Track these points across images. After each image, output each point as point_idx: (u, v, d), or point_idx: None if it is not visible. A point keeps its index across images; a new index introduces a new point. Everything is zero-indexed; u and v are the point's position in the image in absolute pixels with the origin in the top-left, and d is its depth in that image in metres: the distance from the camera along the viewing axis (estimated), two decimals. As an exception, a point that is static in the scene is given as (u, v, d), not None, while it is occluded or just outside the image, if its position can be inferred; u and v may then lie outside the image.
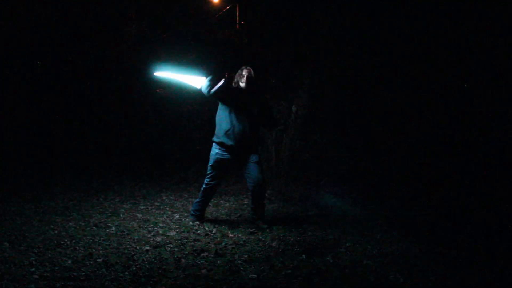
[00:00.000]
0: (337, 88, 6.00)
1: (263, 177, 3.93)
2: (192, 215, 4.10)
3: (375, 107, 6.09)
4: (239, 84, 3.88)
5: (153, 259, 3.11)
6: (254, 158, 3.90)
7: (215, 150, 3.91)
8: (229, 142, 3.83)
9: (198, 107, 6.95)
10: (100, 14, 7.28)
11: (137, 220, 4.06)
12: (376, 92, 6.13)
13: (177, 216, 4.27)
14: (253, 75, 3.85)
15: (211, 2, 7.36)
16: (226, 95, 3.81)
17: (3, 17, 6.98)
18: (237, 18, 7.35)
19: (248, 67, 3.89)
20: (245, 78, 3.85)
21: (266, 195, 5.02)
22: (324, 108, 5.83)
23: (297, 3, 6.44)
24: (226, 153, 3.87)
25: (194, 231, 3.81)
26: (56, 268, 2.88)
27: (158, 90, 7.36)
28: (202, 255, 3.24)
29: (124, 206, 4.57)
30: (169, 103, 7.17)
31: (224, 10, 7.44)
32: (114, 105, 7.24)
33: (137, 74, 7.34)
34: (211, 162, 3.94)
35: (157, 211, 4.42)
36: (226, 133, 3.84)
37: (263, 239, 3.64)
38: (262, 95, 4.10)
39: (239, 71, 3.91)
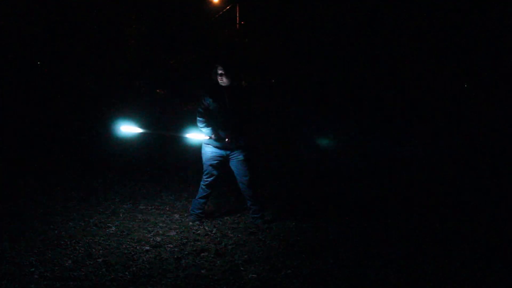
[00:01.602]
0: (337, 88, 6.00)
1: (250, 174, 3.96)
2: (191, 214, 4.11)
3: (375, 107, 6.09)
4: (217, 82, 3.91)
5: (153, 259, 3.11)
6: (242, 154, 3.93)
7: (205, 148, 3.97)
8: (217, 138, 3.88)
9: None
10: (101, 15, 7.28)
11: (137, 220, 4.06)
12: (376, 92, 6.13)
13: (177, 216, 4.27)
14: (227, 71, 3.86)
15: (211, 2, 7.36)
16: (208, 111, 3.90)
17: (4, 17, 6.99)
18: (237, 18, 7.35)
19: (220, 64, 3.90)
20: (219, 76, 3.86)
21: (266, 195, 5.03)
22: (324, 108, 5.83)
23: (297, 3, 6.44)
24: (216, 149, 3.91)
25: (194, 231, 3.81)
26: (56, 268, 2.88)
27: (158, 90, 7.37)
28: (202, 255, 3.24)
29: (124, 206, 4.57)
30: (169, 103, 7.17)
31: (224, 10, 7.45)
32: (114, 105, 7.24)
33: (137, 74, 7.35)
34: (204, 160, 4.00)
35: (157, 211, 4.42)
36: (219, 131, 3.88)
37: (263, 239, 3.64)
38: (244, 88, 4.07)
39: (214, 70, 3.90)
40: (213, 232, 3.80)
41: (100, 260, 3.04)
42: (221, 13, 7.47)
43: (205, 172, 4.03)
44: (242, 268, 3.00)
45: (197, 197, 4.12)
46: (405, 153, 6.24)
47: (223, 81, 3.87)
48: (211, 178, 4.03)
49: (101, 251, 3.22)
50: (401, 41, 6.09)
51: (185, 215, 4.30)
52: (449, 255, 3.30)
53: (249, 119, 4.03)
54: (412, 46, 6.08)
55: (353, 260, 3.17)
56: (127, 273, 2.85)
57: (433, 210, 4.50)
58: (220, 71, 3.86)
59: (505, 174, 5.79)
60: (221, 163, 4.05)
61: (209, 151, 3.95)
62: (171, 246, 3.41)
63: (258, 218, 4.04)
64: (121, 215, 4.22)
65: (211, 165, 3.98)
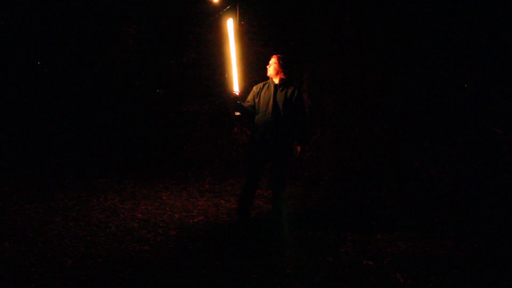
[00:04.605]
0: (337, 88, 6.00)
1: (282, 177, 3.93)
2: (237, 213, 4.10)
3: (375, 107, 6.08)
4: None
5: (153, 259, 3.11)
6: (280, 153, 3.87)
7: (250, 145, 3.96)
8: (256, 135, 3.87)
9: (198, 107, 6.95)
10: (100, 14, 7.27)
11: (137, 220, 4.06)
12: (377, 92, 6.12)
13: (177, 216, 4.28)
14: (277, 62, 3.86)
15: (211, 2, 7.36)
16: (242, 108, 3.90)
17: (3, 17, 6.98)
18: (237, 18, 7.34)
19: (275, 55, 3.92)
20: (268, 65, 3.89)
21: (266, 195, 5.03)
22: (324, 108, 5.83)
23: (297, 3, 6.44)
24: (256, 147, 3.89)
25: (194, 231, 3.81)
26: (56, 268, 2.88)
27: (158, 90, 7.36)
28: (202, 255, 3.24)
29: (124, 206, 4.57)
30: (169, 103, 7.17)
31: (224, 10, 7.45)
32: (114, 105, 7.23)
33: (137, 74, 7.34)
34: (248, 157, 3.98)
35: (157, 211, 4.42)
36: (255, 127, 3.88)
37: (263, 239, 3.64)
38: (294, 85, 3.96)
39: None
40: (213, 232, 3.80)
41: (100, 260, 3.04)
42: (221, 13, 7.48)
43: (247, 170, 4.01)
44: (242, 268, 3.00)
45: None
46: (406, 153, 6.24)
47: (269, 71, 3.87)
48: (249, 177, 3.95)
49: (101, 251, 3.22)
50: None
51: (185, 215, 4.31)
52: (450, 255, 3.30)
53: (295, 121, 3.88)
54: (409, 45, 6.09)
55: (353, 260, 3.17)
56: (127, 273, 2.85)
57: (434, 210, 4.51)
58: (270, 61, 3.86)
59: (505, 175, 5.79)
60: (259, 163, 3.95)
61: (250, 150, 3.94)
62: (171, 246, 3.41)
63: (275, 214, 4.04)
64: (121, 215, 4.22)
65: (249, 163, 3.96)
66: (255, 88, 3.97)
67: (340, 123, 5.89)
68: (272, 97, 3.81)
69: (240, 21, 7.36)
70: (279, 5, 6.68)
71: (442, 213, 4.41)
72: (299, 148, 3.91)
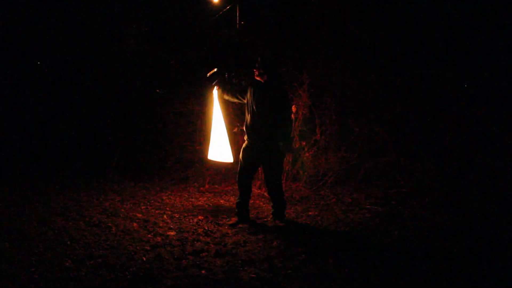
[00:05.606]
0: (337, 88, 5.99)
1: (278, 178, 3.94)
2: (236, 214, 4.10)
3: (376, 107, 6.08)
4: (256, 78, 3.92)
5: (153, 259, 3.11)
6: (273, 156, 3.87)
7: (244, 146, 3.96)
8: (249, 138, 3.87)
9: (198, 107, 6.94)
10: (100, 14, 7.28)
11: (137, 220, 4.06)
12: (377, 92, 6.12)
13: (177, 216, 4.28)
14: (260, 64, 3.84)
15: (211, 2, 7.36)
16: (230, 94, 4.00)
17: (4, 17, 6.99)
18: (237, 18, 7.35)
19: (259, 58, 3.91)
20: (255, 68, 3.87)
21: (266, 195, 5.02)
22: (324, 108, 5.82)
23: (297, 2, 6.44)
24: (249, 149, 3.89)
25: (194, 231, 3.81)
26: (56, 268, 2.88)
27: (158, 90, 7.36)
28: (202, 255, 3.24)
29: (124, 206, 4.57)
30: (168, 103, 7.17)
31: (224, 10, 7.45)
32: (114, 105, 7.23)
33: (137, 74, 7.34)
34: (240, 157, 3.97)
35: (157, 211, 4.42)
36: (247, 129, 3.89)
37: (263, 239, 3.64)
38: (281, 88, 3.96)
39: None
40: (213, 232, 3.80)
41: (100, 260, 3.04)
42: (221, 13, 7.47)
43: (239, 171, 4.01)
44: (242, 268, 3.00)
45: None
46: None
47: (258, 73, 3.84)
48: (243, 176, 3.97)
49: (101, 251, 3.22)
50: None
51: (185, 215, 4.30)
52: (450, 255, 3.29)
53: (284, 124, 3.85)
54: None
55: (353, 260, 3.17)
56: (127, 273, 2.85)
57: (434, 210, 4.50)
58: (256, 64, 3.84)
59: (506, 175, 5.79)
60: (253, 164, 3.97)
61: (243, 150, 3.93)
62: (171, 246, 3.41)
63: (276, 216, 4.05)
64: (121, 215, 4.22)
65: (242, 163, 3.95)
66: (247, 88, 3.95)
67: (340, 123, 5.88)
68: (267, 99, 3.81)
69: (240, 21, 7.37)
70: (279, 4, 6.68)
71: (444, 213, 4.40)
72: (282, 145, 3.93)
